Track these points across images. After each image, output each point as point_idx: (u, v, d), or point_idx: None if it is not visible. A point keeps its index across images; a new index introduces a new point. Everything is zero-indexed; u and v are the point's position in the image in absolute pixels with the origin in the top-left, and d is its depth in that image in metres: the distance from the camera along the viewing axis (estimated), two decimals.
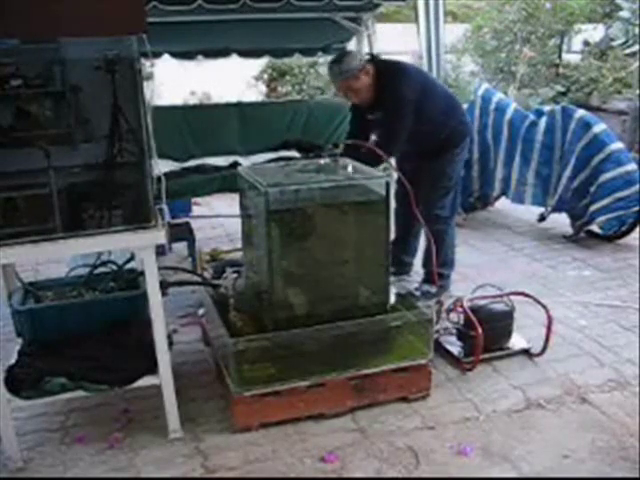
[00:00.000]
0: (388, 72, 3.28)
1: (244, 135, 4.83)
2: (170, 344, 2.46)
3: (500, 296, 3.12)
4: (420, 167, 3.47)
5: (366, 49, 4.72)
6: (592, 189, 4.36)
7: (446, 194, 3.51)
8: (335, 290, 2.64)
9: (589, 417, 2.55)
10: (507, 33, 8.56)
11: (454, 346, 3.02)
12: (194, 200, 5.17)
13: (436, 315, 2.94)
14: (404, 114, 3.21)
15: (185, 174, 4.26)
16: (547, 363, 2.95)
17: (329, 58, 3.86)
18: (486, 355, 2.92)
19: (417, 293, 3.49)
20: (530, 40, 8.52)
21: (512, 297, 3.09)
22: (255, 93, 8.24)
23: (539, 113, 4.81)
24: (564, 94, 7.60)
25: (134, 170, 2.28)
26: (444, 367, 2.93)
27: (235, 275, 3.01)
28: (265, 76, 8.36)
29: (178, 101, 7.12)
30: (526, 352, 3.03)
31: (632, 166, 4.29)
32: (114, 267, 2.79)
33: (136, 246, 2.30)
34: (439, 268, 3.45)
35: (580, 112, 4.49)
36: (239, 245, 3.19)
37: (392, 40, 7.01)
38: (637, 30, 7.68)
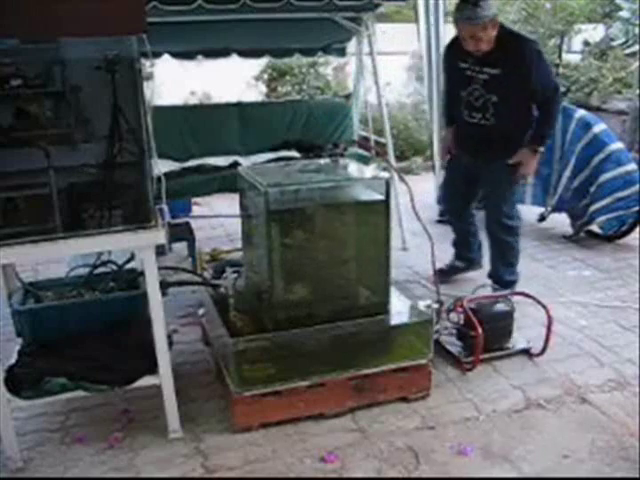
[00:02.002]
0: (514, 34, 3.36)
1: (244, 135, 4.83)
2: (170, 344, 2.46)
3: (500, 296, 3.12)
4: (482, 168, 3.46)
5: (366, 49, 4.71)
6: (592, 189, 4.36)
7: (512, 200, 3.51)
8: (335, 290, 2.64)
9: (589, 417, 2.55)
10: None
11: (454, 346, 3.02)
12: (194, 200, 5.16)
13: (436, 315, 2.94)
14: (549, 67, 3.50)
15: (185, 174, 4.26)
16: (547, 363, 2.95)
17: (329, 58, 3.86)
18: (486, 355, 2.92)
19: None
20: None
21: (512, 297, 3.10)
22: (255, 93, 8.21)
23: None
24: (564, 94, 7.59)
25: (134, 170, 2.28)
26: (444, 367, 2.93)
27: (235, 275, 3.01)
28: (265, 76, 8.34)
29: (178, 101, 7.10)
30: (526, 352, 3.03)
31: (632, 166, 4.29)
32: (114, 267, 2.79)
33: (136, 246, 2.30)
34: (510, 276, 3.60)
35: (580, 112, 4.49)
36: (239, 245, 3.18)
37: (392, 40, 7.00)
38: (637, 30, 7.67)
